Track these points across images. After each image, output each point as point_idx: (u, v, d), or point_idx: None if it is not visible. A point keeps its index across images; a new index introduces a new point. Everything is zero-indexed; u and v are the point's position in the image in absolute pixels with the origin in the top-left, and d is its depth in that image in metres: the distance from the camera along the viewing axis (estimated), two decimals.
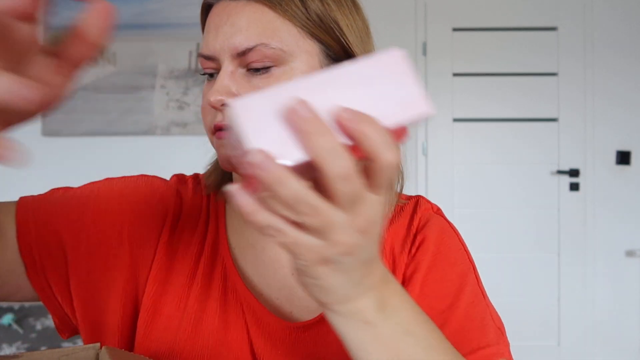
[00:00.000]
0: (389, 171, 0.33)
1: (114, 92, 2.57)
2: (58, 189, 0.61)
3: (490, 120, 2.59)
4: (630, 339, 2.53)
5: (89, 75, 2.58)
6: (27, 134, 2.82)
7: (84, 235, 0.56)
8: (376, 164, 0.32)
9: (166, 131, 2.54)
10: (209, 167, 0.63)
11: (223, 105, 0.51)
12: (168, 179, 0.65)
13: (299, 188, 0.31)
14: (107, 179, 0.62)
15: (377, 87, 0.34)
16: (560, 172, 2.55)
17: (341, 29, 0.53)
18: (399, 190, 0.60)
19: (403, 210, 0.62)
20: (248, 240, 0.60)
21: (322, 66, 0.53)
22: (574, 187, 2.55)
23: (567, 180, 2.55)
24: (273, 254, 0.59)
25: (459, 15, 2.57)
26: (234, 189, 0.32)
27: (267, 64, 0.50)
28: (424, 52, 2.59)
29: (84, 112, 2.56)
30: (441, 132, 2.59)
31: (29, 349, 2.07)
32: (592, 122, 2.56)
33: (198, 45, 2.57)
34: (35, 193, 0.60)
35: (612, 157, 2.56)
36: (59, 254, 0.55)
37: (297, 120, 0.31)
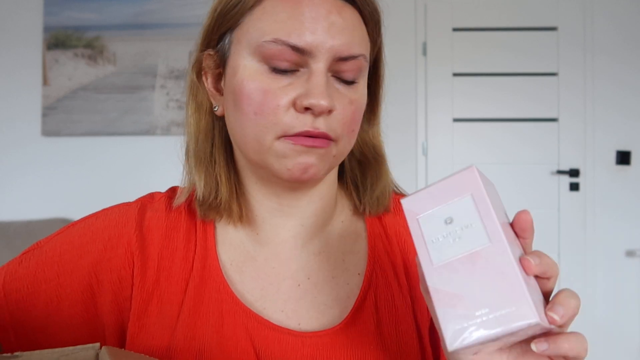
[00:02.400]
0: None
1: (114, 92, 2.57)
2: (27, 251, 0.56)
3: (490, 120, 2.59)
4: (630, 339, 2.53)
5: (89, 75, 2.58)
6: (27, 134, 2.82)
7: (56, 311, 0.53)
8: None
9: (166, 131, 2.54)
10: (211, 178, 0.56)
11: (330, 112, 0.48)
12: (160, 187, 0.61)
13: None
14: (69, 227, 0.57)
15: None
16: (560, 172, 2.55)
17: (381, 58, 0.55)
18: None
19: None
20: (249, 253, 0.56)
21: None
22: (574, 187, 2.55)
23: (567, 180, 2.55)
24: (277, 265, 0.56)
25: (459, 15, 2.57)
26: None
27: (356, 77, 0.49)
28: (424, 52, 2.59)
29: (84, 112, 2.56)
30: (441, 132, 2.59)
31: None
32: (592, 122, 2.56)
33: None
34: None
35: (612, 157, 2.56)
36: (37, 335, 0.53)
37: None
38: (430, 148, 2.58)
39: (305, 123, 0.47)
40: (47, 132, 2.54)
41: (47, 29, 2.56)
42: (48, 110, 2.55)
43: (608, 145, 2.56)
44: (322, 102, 0.46)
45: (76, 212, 0.61)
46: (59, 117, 2.55)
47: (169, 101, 2.56)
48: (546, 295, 0.39)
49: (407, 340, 0.55)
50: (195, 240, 0.56)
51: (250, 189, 0.56)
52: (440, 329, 0.37)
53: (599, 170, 2.56)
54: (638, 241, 2.54)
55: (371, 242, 0.59)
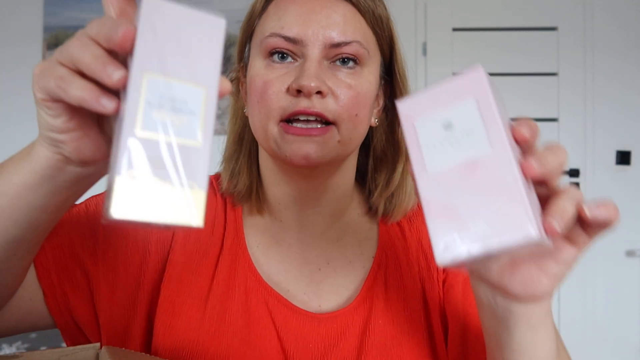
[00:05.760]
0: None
1: None
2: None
3: None
4: (630, 339, 2.54)
5: None
6: (27, 134, 2.82)
7: (100, 251, 0.56)
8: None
9: None
10: (232, 172, 0.62)
11: (318, 93, 0.51)
12: None
13: None
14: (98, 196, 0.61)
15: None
16: None
17: (396, 52, 0.62)
18: None
19: None
20: (274, 238, 0.61)
21: (380, 78, 0.59)
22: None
23: (567, 180, 2.56)
24: (300, 250, 0.61)
25: (459, 15, 2.57)
26: None
27: (354, 61, 0.54)
28: (424, 52, 2.59)
29: None
30: None
31: (29, 349, 2.07)
32: (592, 123, 2.56)
33: None
34: None
35: (612, 157, 2.56)
36: (80, 275, 0.55)
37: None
38: None
39: (299, 104, 0.51)
40: None
41: (47, 29, 2.57)
42: None
43: (608, 145, 2.56)
44: (311, 83, 0.49)
45: None
46: None
47: None
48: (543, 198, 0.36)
49: (415, 317, 0.59)
50: (225, 221, 0.61)
51: (273, 178, 0.60)
52: (432, 242, 0.33)
53: (599, 170, 2.56)
54: (638, 241, 2.55)
55: (382, 225, 0.64)
